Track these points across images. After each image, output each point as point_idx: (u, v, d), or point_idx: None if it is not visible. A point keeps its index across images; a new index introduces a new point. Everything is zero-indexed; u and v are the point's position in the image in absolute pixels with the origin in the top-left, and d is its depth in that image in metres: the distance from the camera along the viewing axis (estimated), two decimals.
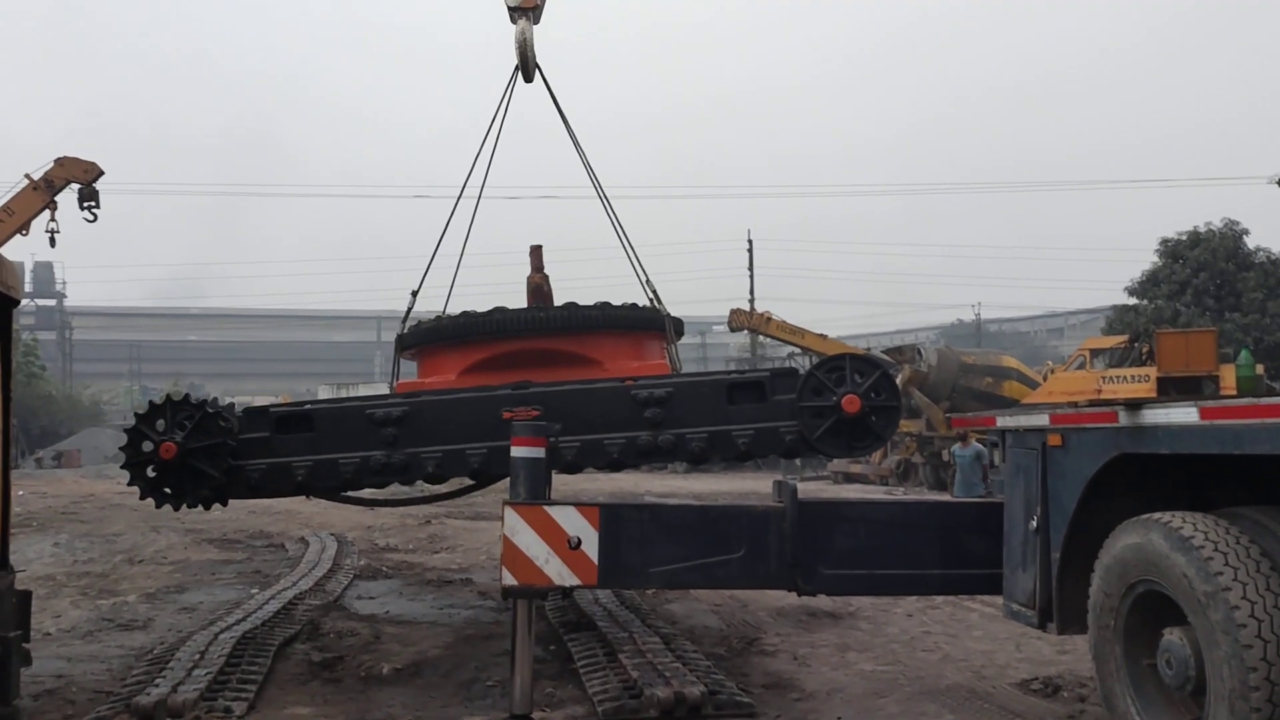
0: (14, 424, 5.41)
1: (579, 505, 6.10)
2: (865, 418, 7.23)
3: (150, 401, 7.59)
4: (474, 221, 9.57)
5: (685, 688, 6.19)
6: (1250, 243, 35.05)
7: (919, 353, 30.50)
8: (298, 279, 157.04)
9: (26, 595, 5.38)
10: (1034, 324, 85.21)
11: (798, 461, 30.19)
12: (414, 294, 9.33)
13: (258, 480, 7.48)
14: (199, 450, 7.20)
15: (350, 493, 8.28)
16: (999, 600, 6.08)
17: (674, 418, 7.37)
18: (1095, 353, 25.23)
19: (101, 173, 22.46)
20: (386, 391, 8.85)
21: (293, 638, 8.26)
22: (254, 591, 10.89)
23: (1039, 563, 5.43)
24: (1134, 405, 4.72)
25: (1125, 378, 22.20)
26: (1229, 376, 18.84)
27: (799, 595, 6.57)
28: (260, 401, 12.14)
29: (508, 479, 6.34)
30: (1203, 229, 35.27)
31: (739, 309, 34.27)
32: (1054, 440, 5.34)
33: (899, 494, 25.49)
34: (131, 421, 7.39)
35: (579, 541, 5.95)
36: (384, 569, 12.73)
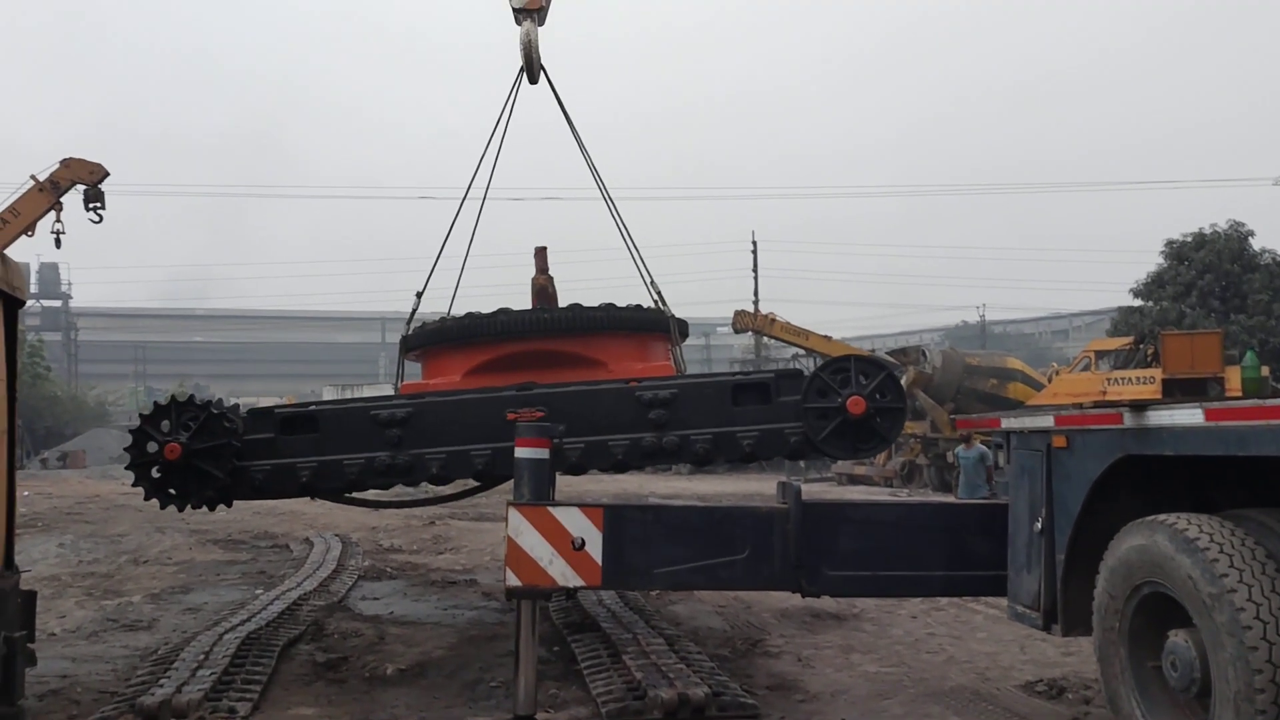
0: (19, 424, 5.42)
1: (583, 506, 6.10)
2: (870, 419, 7.22)
3: (155, 402, 7.59)
4: (478, 223, 9.59)
5: (689, 689, 6.19)
6: (1256, 244, 35.03)
7: (923, 354, 30.52)
8: (302, 280, 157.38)
9: (31, 595, 5.39)
10: (1039, 325, 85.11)
11: (802, 463, 30.18)
12: (419, 295, 9.34)
13: (262, 481, 7.49)
14: (204, 451, 7.20)
15: (355, 494, 8.28)
16: (1003, 602, 6.07)
17: (678, 419, 7.37)
18: (1100, 354, 25.19)
19: (107, 174, 22.50)
20: (391, 393, 8.85)
21: (297, 638, 8.27)
22: (258, 592, 10.90)
23: (1044, 564, 5.42)
24: (1139, 407, 4.72)
25: (1130, 379, 22.15)
26: (1234, 378, 18.80)
27: (803, 597, 6.57)
28: (265, 402, 12.14)
29: (512, 480, 6.34)
30: (1208, 231, 35.23)
31: (743, 310, 34.23)
32: (1059, 442, 5.33)
33: (903, 496, 25.47)
34: (136, 422, 7.40)
35: (583, 542, 5.95)
36: (388, 570, 12.74)
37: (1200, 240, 35.10)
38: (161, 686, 6.45)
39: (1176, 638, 4.40)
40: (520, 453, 6.14)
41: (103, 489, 27.94)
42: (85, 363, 70.90)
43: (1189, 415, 4.38)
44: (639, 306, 8.76)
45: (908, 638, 8.64)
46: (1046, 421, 5.50)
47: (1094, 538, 5.03)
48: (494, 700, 6.76)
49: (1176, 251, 35.58)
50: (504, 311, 8.38)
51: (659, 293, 9.15)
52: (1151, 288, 36.09)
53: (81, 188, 22.39)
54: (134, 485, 7.43)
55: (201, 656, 7.26)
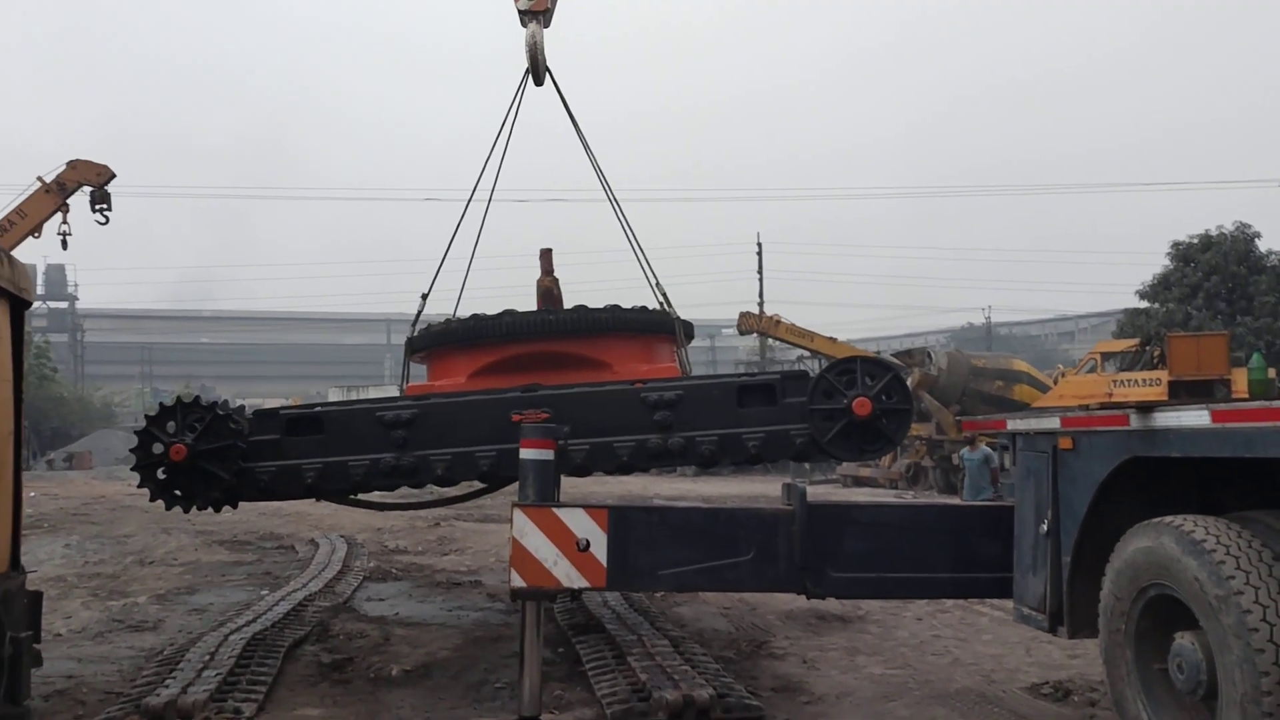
0: (26, 425, 5.43)
1: (588, 507, 6.10)
2: (876, 421, 7.20)
3: (160, 403, 7.60)
4: (484, 224, 9.61)
5: (694, 691, 6.18)
6: (1262, 246, 34.98)
7: (929, 356, 30.49)
8: (308, 282, 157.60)
9: (37, 596, 5.39)
10: (1045, 327, 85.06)
11: (807, 465, 30.15)
12: (424, 297, 9.34)
13: (268, 482, 7.49)
14: (209, 452, 7.21)
15: (360, 495, 8.28)
16: (1009, 604, 6.05)
17: (684, 420, 7.36)
18: (1106, 356, 25.16)
19: (113, 175, 22.59)
20: (396, 394, 8.86)
21: (302, 639, 8.28)
22: (264, 593, 10.92)
23: (1049, 566, 5.41)
24: (1145, 408, 4.70)
25: (1136, 381, 22.12)
26: (1241, 380, 18.76)
27: (808, 598, 6.56)
28: (271, 404, 12.16)
29: (517, 482, 6.34)
30: (1214, 232, 35.15)
31: (748, 312, 34.26)
32: (1065, 443, 5.32)
33: (909, 497, 25.44)
34: (142, 423, 7.41)
35: (587, 544, 5.95)
36: (393, 571, 12.75)
37: (1206, 242, 35.04)
38: (167, 687, 6.45)
39: (1183, 640, 4.39)
40: (525, 454, 6.13)
41: (109, 490, 28.00)
42: (91, 364, 71.06)
43: (1195, 417, 4.36)
44: (644, 308, 8.76)
45: (913, 640, 8.63)
46: (1052, 423, 5.48)
47: (1100, 540, 5.02)
48: (499, 701, 6.76)
49: (1183, 253, 35.52)
50: (509, 313, 8.39)
51: (664, 294, 9.16)
52: (1158, 289, 36.03)
53: (88, 189, 22.49)
54: (140, 486, 7.45)
55: (207, 657, 7.27)
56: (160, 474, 7.29)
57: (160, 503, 7.39)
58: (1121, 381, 22.50)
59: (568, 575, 5.95)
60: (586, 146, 9.54)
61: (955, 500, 19.05)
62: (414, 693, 7.00)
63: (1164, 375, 20.61)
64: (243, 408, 7.90)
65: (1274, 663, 3.89)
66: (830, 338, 32.22)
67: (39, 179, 22.09)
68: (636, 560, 6.10)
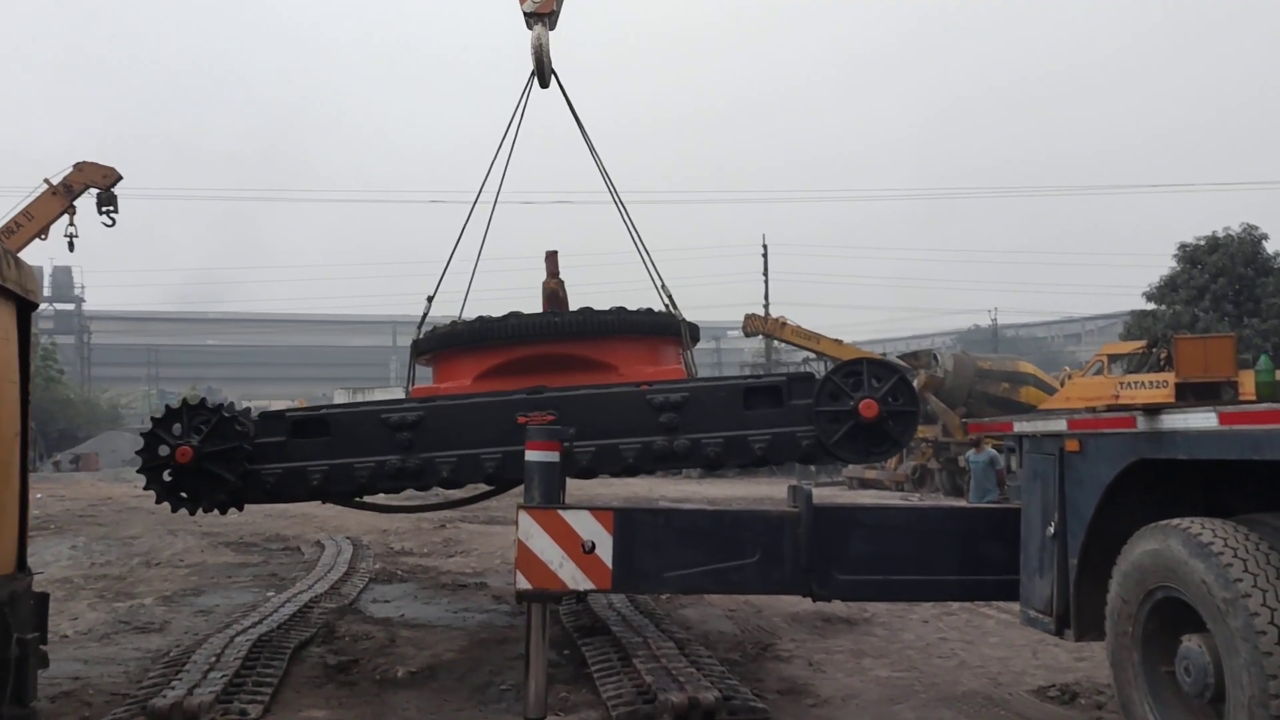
0: (32, 427, 5.44)
1: (593, 509, 6.10)
2: (882, 423, 7.20)
3: (166, 406, 7.61)
4: (489, 227, 9.60)
5: (699, 693, 6.17)
6: (1269, 247, 34.84)
7: (935, 358, 30.42)
8: (314, 284, 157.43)
9: (44, 597, 5.40)
10: (1051, 329, 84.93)
11: (812, 467, 30.12)
12: (429, 299, 9.36)
13: (273, 485, 7.50)
14: (215, 454, 7.22)
15: (366, 498, 8.29)
16: (1015, 607, 6.05)
17: (689, 423, 7.35)
18: (1113, 358, 25.11)
19: (120, 177, 22.64)
20: (402, 396, 8.87)
21: (308, 641, 8.28)
22: (270, 594, 10.93)
23: (1056, 569, 5.40)
24: (1152, 411, 4.69)
25: (1143, 383, 22.06)
26: (1248, 382, 18.68)
27: (814, 601, 6.55)
28: (277, 406, 12.18)
29: (522, 484, 6.34)
30: (1221, 234, 35.07)
31: (754, 314, 34.23)
32: (1072, 446, 5.31)
33: (914, 500, 25.41)
34: (149, 425, 7.42)
35: (593, 546, 5.94)
36: (399, 573, 12.76)
37: (1213, 243, 34.95)
38: (173, 689, 6.46)
39: (1190, 643, 4.38)
40: (531, 456, 6.13)
41: (115, 491, 28.06)
42: (98, 366, 71.24)
43: (1202, 419, 4.35)
44: (650, 310, 8.76)
45: (919, 642, 8.61)
46: (1059, 425, 5.47)
47: (1107, 542, 5.00)
48: (504, 703, 6.76)
49: (1189, 255, 35.43)
50: (515, 315, 8.39)
51: (670, 296, 9.15)
52: (1164, 291, 35.95)
53: (94, 191, 22.53)
54: (146, 489, 7.46)
55: (213, 659, 7.28)
56: (166, 476, 7.30)
57: (166, 505, 7.40)
58: (1128, 384, 22.45)
59: (573, 577, 5.95)
60: (591, 148, 9.55)
61: (961, 503, 19.02)
62: (419, 694, 7.00)
63: (1171, 377, 20.52)
64: (249, 410, 7.92)
65: None
66: (836, 340, 32.16)
67: (46, 181, 22.14)
68: (642, 562, 6.09)
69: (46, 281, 65.00)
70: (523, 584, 5.93)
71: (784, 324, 32.86)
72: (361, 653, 8.02)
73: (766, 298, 47.89)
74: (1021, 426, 6.07)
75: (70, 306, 73.27)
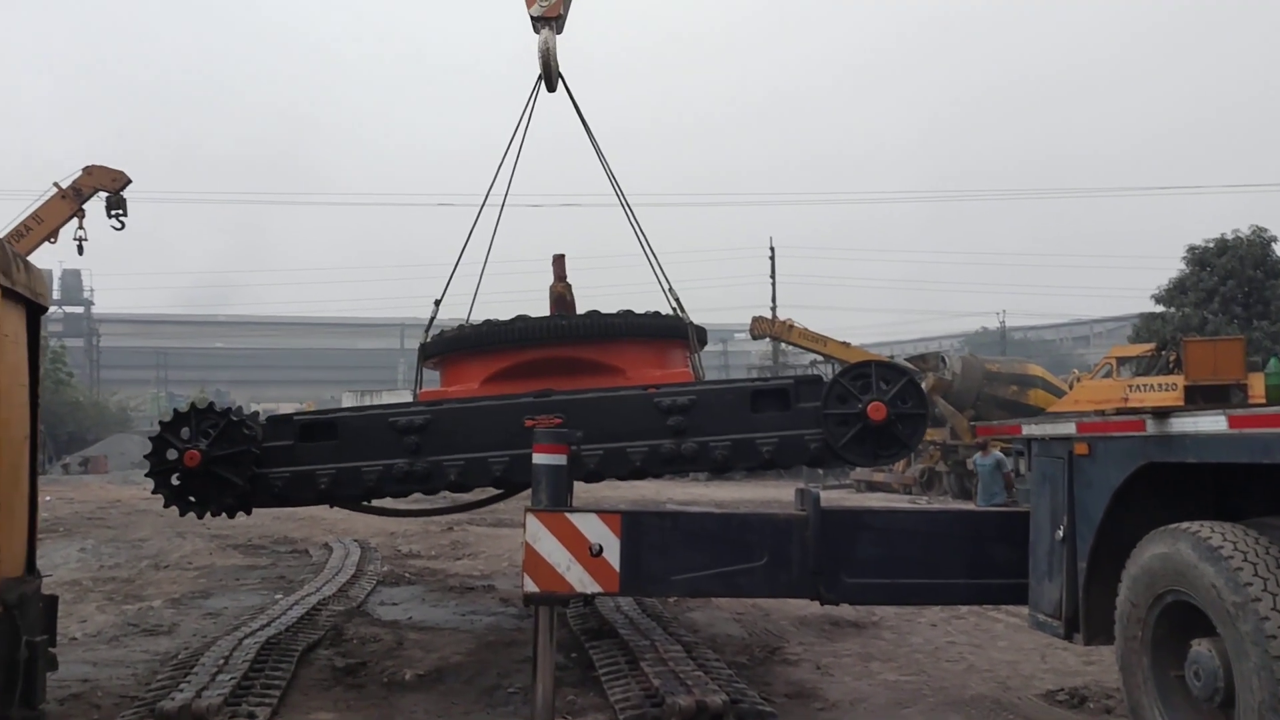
0: (41, 430, 5.46)
1: (601, 512, 6.09)
2: (891, 425, 7.17)
3: (175, 410, 7.62)
4: (497, 230, 9.60)
5: (707, 696, 6.17)
6: (1279, 250, 34.70)
7: (943, 361, 30.39)
8: (323, 287, 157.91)
9: (53, 600, 5.43)
10: (1060, 332, 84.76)
11: (820, 470, 30.09)
12: (437, 302, 9.35)
13: (282, 488, 7.49)
14: (223, 458, 7.22)
15: (375, 502, 8.29)
16: (1024, 610, 6.03)
17: (697, 426, 7.33)
18: (1122, 361, 25.05)
19: (129, 181, 22.74)
20: (410, 400, 8.86)
21: (316, 643, 8.29)
22: (278, 597, 10.94)
23: (1065, 572, 5.38)
24: (1161, 414, 4.68)
25: (1152, 386, 22.01)
26: (1257, 385, 18.62)
27: (821, 604, 6.53)
28: (285, 409, 12.20)
29: (530, 487, 6.33)
30: (1230, 236, 34.95)
31: (761, 316, 34.25)
32: (1081, 449, 5.29)
33: (923, 503, 25.37)
34: (157, 428, 7.43)
35: (601, 549, 5.94)
36: (407, 575, 12.77)
37: (1222, 246, 34.82)
38: (181, 691, 6.47)
39: (1200, 647, 4.36)
40: (538, 459, 6.13)
41: (124, 494, 28.12)
42: (107, 368, 71.48)
43: (1212, 422, 4.34)
44: (657, 313, 8.75)
45: (927, 646, 8.60)
46: (1068, 428, 5.46)
47: (1116, 546, 4.99)
48: (512, 706, 6.76)
49: (1198, 257, 35.31)
50: (522, 318, 8.39)
51: (677, 299, 9.14)
52: (1173, 294, 35.83)
53: (104, 195, 22.64)
54: (154, 492, 7.46)
55: (221, 661, 7.29)
56: (175, 480, 7.31)
57: (174, 508, 7.41)
58: (1137, 386, 22.40)
59: (581, 580, 5.95)
60: (599, 152, 9.55)
61: (970, 506, 18.98)
62: (427, 697, 7.00)
63: (1180, 380, 20.48)
64: (257, 413, 7.92)
65: None
66: (843, 342, 32.13)
67: (55, 185, 22.25)
68: (649, 565, 6.09)
69: (56, 284, 65.22)
70: (530, 587, 5.92)
71: (791, 326, 32.86)
72: (369, 655, 8.03)
73: (774, 300, 47.89)
74: (1030, 429, 6.06)
75: (79, 309, 73.48)
